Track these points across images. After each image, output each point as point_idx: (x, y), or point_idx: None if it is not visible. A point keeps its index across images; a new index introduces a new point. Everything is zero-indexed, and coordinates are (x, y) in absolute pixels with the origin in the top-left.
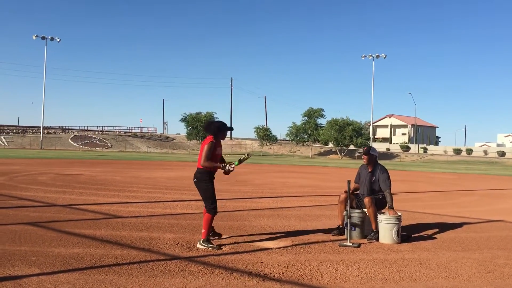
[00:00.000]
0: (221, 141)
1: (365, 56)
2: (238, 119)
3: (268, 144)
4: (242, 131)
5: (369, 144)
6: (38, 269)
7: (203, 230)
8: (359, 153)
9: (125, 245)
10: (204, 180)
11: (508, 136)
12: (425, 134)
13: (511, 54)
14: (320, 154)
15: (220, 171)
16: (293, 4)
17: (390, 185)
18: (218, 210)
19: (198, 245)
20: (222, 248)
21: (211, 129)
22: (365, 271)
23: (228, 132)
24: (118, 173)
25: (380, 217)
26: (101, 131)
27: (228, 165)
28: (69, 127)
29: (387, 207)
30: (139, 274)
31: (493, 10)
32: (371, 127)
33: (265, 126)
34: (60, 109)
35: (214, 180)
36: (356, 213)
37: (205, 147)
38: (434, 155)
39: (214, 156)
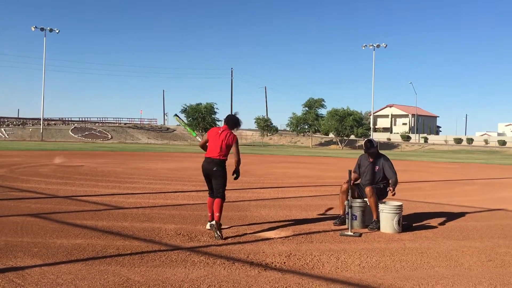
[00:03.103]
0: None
1: (366, 45)
2: (238, 110)
3: (268, 134)
4: (243, 121)
5: (368, 134)
6: (40, 260)
7: (217, 214)
8: (359, 144)
9: (127, 236)
10: (224, 168)
11: (509, 125)
12: (425, 124)
13: None
14: (321, 144)
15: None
16: None
17: (395, 173)
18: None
19: (213, 222)
20: (223, 239)
21: (236, 123)
22: (366, 260)
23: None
24: (119, 165)
25: (381, 206)
26: (101, 122)
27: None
28: (69, 119)
29: (390, 186)
30: (141, 264)
31: None
32: (371, 117)
33: (265, 117)
34: (60, 101)
35: None
36: (357, 203)
37: (236, 144)
38: (435, 145)
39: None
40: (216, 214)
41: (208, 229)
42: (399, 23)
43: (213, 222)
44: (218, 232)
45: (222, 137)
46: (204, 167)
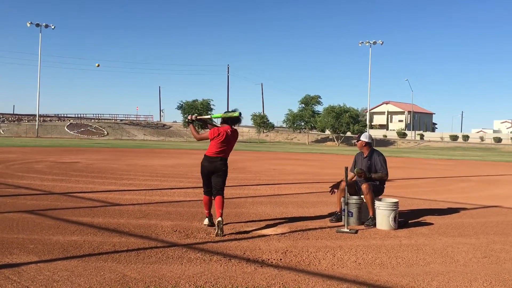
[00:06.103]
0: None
1: (362, 42)
2: (234, 106)
3: (265, 131)
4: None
5: (364, 130)
6: (36, 256)
7: (221, 211)
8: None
9: (123, 233)
10: (227, 168)
11: (504, 122)
12: (421, 121)
13: (508, 40)
14: (317, 141)
15: (231, 160)
16: None
17: (386, 170)
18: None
19: (220, 219)
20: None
21: (236, 120)
22: (362, 257)
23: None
24: (115, 161)
25: (377, 203)
26: (97, 119)
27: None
28: (65, 115)
29: (370, 173)
30: (137, 261)
31: None
32: (367, 114)
33: (262, 113)
34: (55, 97)
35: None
36: (353, 200)
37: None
38: (431, 142)
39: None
40: (220, 211)
41: (206, 225)
42: (396, 20)
43: (220, 219)
44: (221, 230)
45: (233, 137)
46: (208, 166)
